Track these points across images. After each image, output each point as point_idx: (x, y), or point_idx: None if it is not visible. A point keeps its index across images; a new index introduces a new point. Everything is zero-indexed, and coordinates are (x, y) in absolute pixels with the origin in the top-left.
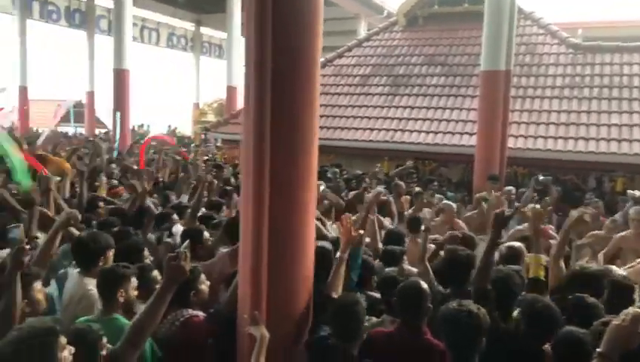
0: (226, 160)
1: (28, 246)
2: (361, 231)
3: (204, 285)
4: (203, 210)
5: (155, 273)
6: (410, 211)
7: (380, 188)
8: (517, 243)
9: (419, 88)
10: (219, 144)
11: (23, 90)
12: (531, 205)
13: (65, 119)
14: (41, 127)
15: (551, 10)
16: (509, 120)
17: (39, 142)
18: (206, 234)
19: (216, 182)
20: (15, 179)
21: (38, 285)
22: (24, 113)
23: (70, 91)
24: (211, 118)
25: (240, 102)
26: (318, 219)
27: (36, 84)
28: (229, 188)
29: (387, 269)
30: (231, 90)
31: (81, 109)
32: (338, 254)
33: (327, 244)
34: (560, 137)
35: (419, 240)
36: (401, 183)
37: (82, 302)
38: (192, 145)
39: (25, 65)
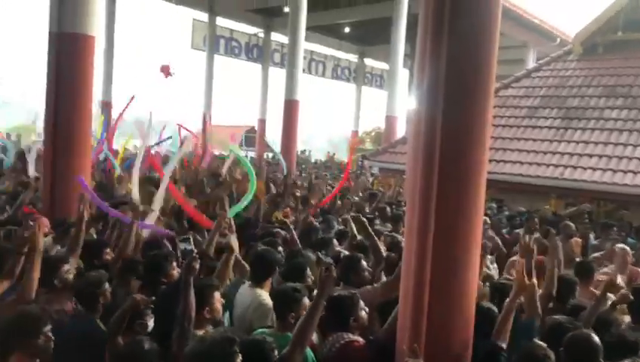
0: (383, 188)
1: (197, 256)
2: (534, 281)
3: (364, 312)
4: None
5: None
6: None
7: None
8: None
9: (595, 122)
10: (374, 171)
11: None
12: None
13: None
14: (218, 151)
15: None
16: None
17: (225, 167)
18: (363, 262)
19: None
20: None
21: (217, 295)
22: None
23: (244, 118)
24: (369, 146)
25: (399, 132)
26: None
27: (217, 111)
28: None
29: (555, 316)
30: (390, 120)
31: (252, 135)
32: (506, 302)
33: (492, 306)
34: None
35: (591, 288)
36: (571, 224)
37: (258, 310)
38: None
39: (210, 94)
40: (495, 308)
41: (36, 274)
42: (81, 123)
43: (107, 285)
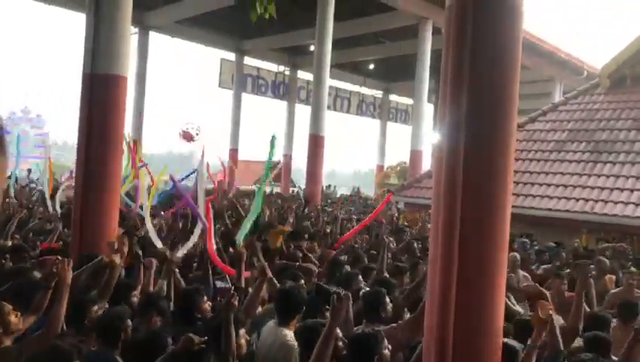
0: (409, 223)
1: (235, 293)
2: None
3: (387, 350)
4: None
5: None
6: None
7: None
8: None
9: (625, 155)
10: (400, 206)
11: (234, 152)
12: None
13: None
14: (244, 186)
15: None
16: None
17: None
18: (387, 299)
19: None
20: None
21: (242, 331)
22: (231, 172)
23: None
24: (394, 180)
25: (424, 167)
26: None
27: (243, 147)
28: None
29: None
30: (415, 154)
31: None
32: (529, 343)
33: (516, 344)
34: None
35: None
36: (605, 260)
37: (282, 350)
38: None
39: (237, 130)
40: (518, 348)
41: (63, 308)
42: (112, 162)
43: (129, 321)
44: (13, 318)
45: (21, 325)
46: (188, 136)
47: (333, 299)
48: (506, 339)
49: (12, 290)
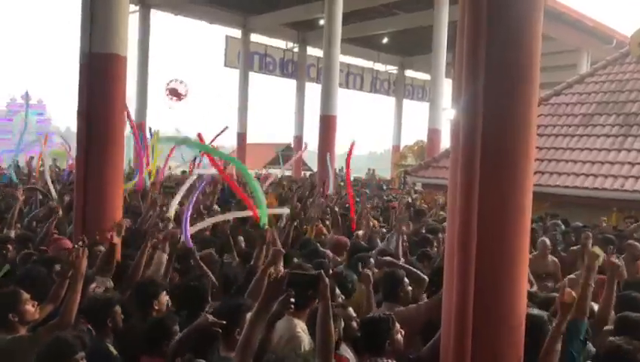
0: (428, 205)
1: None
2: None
3: (400, 335)
4: None
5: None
6: None
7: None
8: None
9: None
10: (417, 187)
11: (242, 136)
12: None
13: (274, 162)
14: (254, 170)
15: None
16: None
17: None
18: (406, 280)
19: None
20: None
21: (249, 316)
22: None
23: (280, 135)
24: (411, 160)
25: (443, 145)
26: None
27: (251, 129)
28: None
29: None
30: (433, 133)
31: (289, 153)
32: (553, 326)
33: (543, 314)
34: None
35: None
36: (637, 244)
37: (291, 342)
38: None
39: (245, 112)
40: (545, 317)
41: (77, 299)
42: (114, 144)
43: (118, 307)
44: (29, 307)
45: (37, 315)
46: (175, 93)
47: (320, 279)
48: (530, 310)
49: (22, 278)
